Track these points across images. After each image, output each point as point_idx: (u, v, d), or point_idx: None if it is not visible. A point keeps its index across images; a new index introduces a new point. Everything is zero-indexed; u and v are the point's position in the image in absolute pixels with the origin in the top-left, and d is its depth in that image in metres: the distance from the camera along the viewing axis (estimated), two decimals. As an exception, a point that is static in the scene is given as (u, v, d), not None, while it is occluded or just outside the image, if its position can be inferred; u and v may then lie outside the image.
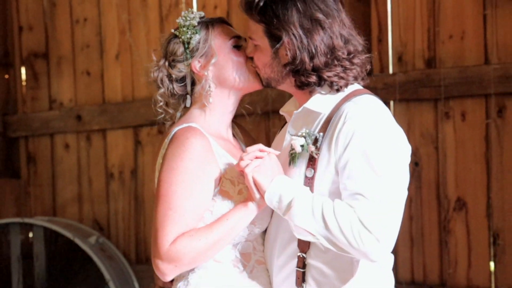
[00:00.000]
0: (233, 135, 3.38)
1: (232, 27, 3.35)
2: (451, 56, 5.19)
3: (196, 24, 3.27)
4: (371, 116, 2.93)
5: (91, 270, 6.33)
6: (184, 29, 3.27)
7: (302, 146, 3.00)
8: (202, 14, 3.34)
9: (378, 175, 2.86)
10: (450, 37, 5.21)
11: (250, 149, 3.01)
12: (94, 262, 6.27)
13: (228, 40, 3.26)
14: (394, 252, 5.17)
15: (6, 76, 7.16)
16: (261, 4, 2.97)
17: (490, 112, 5.05)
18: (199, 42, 3.26)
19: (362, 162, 2.88)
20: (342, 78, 3.00)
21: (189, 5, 6.20)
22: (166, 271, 3.11)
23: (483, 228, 5.11)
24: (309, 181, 2.97)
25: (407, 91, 5.27)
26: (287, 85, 3.06)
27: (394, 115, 5.17)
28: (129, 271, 6.48)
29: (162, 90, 3.32)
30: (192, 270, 3.18)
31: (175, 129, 3.22)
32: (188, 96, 3.29)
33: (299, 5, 2.93)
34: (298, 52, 2.94)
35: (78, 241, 6.30)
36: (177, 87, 3.32)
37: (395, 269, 5.22)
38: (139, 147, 6.56)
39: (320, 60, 2.95)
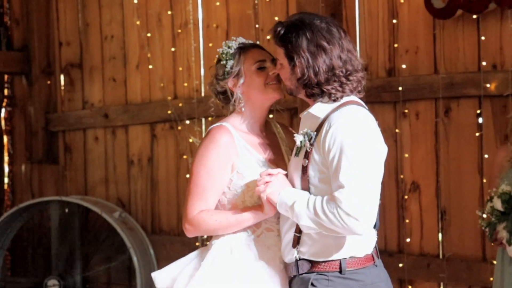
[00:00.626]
0: (274, 132, 3.47)
1: (263, 49, 3.41)
2: (407, 67, 5.17)
3: (232, 51, 3.36)
4: (349, 123, 2.99)
5: (115, 239, 6.31)
6: (223, 55, 3.37)
7: (301, 141, 3.11)
8: (241, 40, 3.41)
9: (355, 168, 2.92)
10: (406, 52, 5.17)
11: (262, 174, 3.15)
12: (117, 233, 6.25)
13: (253, 64, 3.33)
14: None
15: (49, 82, 7.12)
16: (282, 32, 3.11)
17: (439, 112, 5.02)
18: (232, 67, 3.34)
19: (342, 159, 2.94)
20: (338, 91, 3.07)
21: (196, 25, 6.14)
22: (188, 232, 3.29)
23: (432, 206, 5.09)
24: (304, 169, 3.07)
25: (371, 95, 5.21)
26: (302, 95, 3.16)
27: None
28: (146, 240, 6.43)
29: (212, 99, 3.47)
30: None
31: (211, 127, 3.34)
32: (230, 104, 3.37)
33: (307, 34, 3.06)
34: (305, 70, 3.06)
35: (104, 215, 6.28)
36: (222, 97, 3.41)
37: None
38: (154, 140, 6.50)
39: (321, 76, 3.05)
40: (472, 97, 4.86)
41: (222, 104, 3.43)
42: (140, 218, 6.55)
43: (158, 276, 3.41)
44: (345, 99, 3.08)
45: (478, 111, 4.84)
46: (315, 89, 3.07)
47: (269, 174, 3.13)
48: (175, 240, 6.33)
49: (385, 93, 5.20)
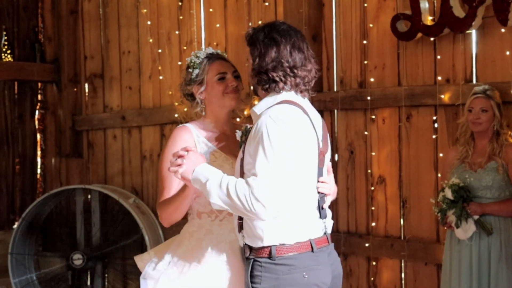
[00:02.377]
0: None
1: (227, 61, 3.26)
2: (376, 80, 5.15)
3: (199, 61, 3.20)
4: (271, 119, 2.78)
5: (130, 221, 6.30)
6: (191, 63, 3.22)
7: (240, 137, 2.99)
8: (210, 50, 3.26)
9: (268, 160, 2.73)
10: (375, 67, 5.17)
11: (173, 155, 2.89)
12: (132, 216, 6.24)
13: (215, 75, 3.19)
14: (335, 211, 5.21)
15: (75, 89, 7.11)
16: (250, 36, 2.95)
17: (401, 118, 5.01)
18: (197, 75, 3.19)
19: (259, 150, 2.76)
20: (281, 80, 2.89)
21: (199, 43, 6.15)
22: (162, 221, 3.11)
23: (396, 196, 5.08)
24: (241, 161, 2.89)
25: (346, 103, 5.24)
26: (260, 92, 2.97)
27: (337, 120, 5.33)
28: (156, 222, 6.41)
29: (176, 104, 3.29)
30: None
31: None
32: (198, 106, 3.21)
33: (265, 30, 2.91)
34: (257, 58, 2.89)
35: (121, 201, 6.27)
36: (189, 99, 3.25)
37: (336, 223, 5.20)
38: (163, 138, 6.48)
39: (269, 64, 2.87)
40: (429, 106, 4.86)
41: (191, 104, 3.25)
42: (151, 203, 6.54)
43: (139, 259, 3.23)
44: (283, 96, 2.89)
45: (434, 118, 4.86)
46: (263, 75, 2.88)
47: (180, 156, 2.86)
48: (180, 222, 6.27)
49: (357, 101, 5.19)
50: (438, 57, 4.82)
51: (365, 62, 5.19)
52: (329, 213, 3.00)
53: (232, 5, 5.94)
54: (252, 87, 3.07)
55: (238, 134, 3.00)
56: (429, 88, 4.84)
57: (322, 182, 2.93)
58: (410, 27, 4.82)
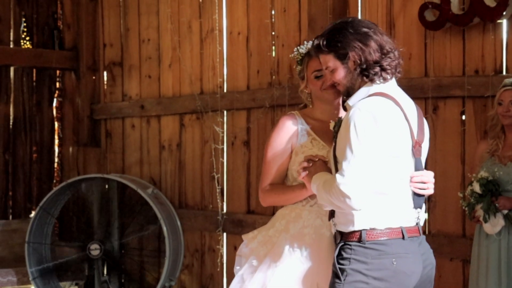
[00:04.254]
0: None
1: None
2: (402, 70, 4.99)
3: (301, 57, 3.35)
4: (359, 113, 2.86)
5: (148, 211, 6.27)
6: (297, 59, 3.38)
7: (333, 128, 3.07)
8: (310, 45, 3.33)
9: (353, 152, 2.82)
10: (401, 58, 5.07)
11: (304, 158, 3.13)
12: (150, 206, 6.20)
13: (312, 73, 3.31)
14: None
15: (94, 78, 7.09)
16: (325, 41, 3.01)
17: (428, 110, 4.94)
18: (300, 72, 3.37)
19: (347, 143, 2.86)
20: (391, 66, 2.98)
21: (220, 32, 6.10)
22: (261, 202, 3.36)
23: (421, 189, 5.00)
24: (333, 150, 2.99)
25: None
26: (358, 87, 3.01)
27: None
28: (174, 213, 6.40)
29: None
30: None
31: None
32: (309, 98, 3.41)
33: (349, 29, 2.96)
34: (361, 56, 2.94)
35: (139, 191, 6.23)
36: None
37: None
38: (183, 128, 6.45)
39: (376, 55, 2.94)
40: (457, 97, 4.80)
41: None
42: (169, 194, 6.52)
43: (245, 237, 3.43)
44: (376, 88, 2.96)
45: (462, 110, 4.79)
46: (376, 68, 2.94)
47: (310, 159, 3.10)
48: (198, 213, 6.30)
49: (382, 92, 5.14)
50: (467, 47, 4.74)
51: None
52: (423, 205, 3.06)
53: (255, -7, 5.89)
54: (345, 93, 3.08)
55: (332, 124, 3.09)
56: (457, 79, 4.77)
57: (416, 176, 2.98)
58: (438, 16, 4.74)
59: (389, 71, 2.97)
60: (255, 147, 5.90)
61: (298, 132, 3.26)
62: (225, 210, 6.11)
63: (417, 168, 2.99)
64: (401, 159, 2.93)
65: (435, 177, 4.84)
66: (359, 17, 5.28)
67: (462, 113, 4.80)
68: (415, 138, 2.97)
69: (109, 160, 7.00)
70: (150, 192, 6.28)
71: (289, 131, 3.26)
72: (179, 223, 6.36)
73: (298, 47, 3.36)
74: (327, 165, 3.09)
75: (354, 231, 2.93)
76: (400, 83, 4.92)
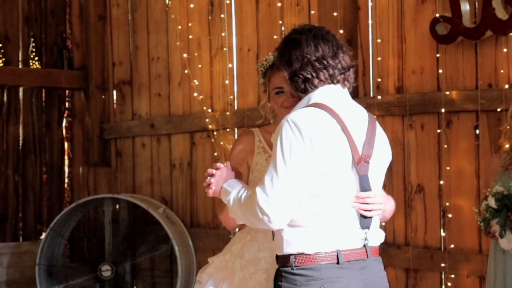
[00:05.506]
0: None
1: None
2: (414, 85, 5.11)
3: (264, 70, 3.24)
4: (285, 125, 2.69)
5: (160, 231, 6.29)
6: (261, 71, 3.28)
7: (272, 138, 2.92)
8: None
9: (275, 166, 2.66)
10: (413, 72, 5.12)
11: (207, 172, 2.94)
12: (161, 226, 6.22)
13: (273, 89, 3.18)
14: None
15: (103, 97, 7.14)
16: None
17: (441, 124, 4.95)
18: (263, 83, 3.26)
19: (272, 155, 2.71)
20: (313, 76, 2.78)
21: (230, 49, 6.14)
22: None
23: (435, 205, 5.02)
24: None
25: (383, 109, 5.20)
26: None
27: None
28: (185, 232, 6.42)
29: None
30: None
31: None
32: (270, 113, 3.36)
33: (284, 38, 2.90)
34: (286, 65, 2.83)
35: (151, 211, 6.26)
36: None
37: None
38: (193, 146, 6.48)
39: (296, 65, 2.79)
40: (470, 111, 4.81)
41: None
42: (181, 213, 6.54)
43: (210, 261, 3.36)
44: (315, 98, 2.77)
45: (476, 124, 4.80)
46: (296, 78, 2.78)
47: (215, 168, 2.92)
48: (210, 232, 6.32)
49: (395, 107, 5.15)
50: (480, 61, 4.76)
51: (403, 66, 5.14)
52: (374, 223, 2.83)
53: (264, 9, 5.93)
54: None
55: (273, 136, 2.94)
56: (470, 93, 4.78)
57: (359, 196, 2.76)
58: (450, 30, 4.76)
59: (315, 80, 2.77)
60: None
61: (254, 150, 3.19)
62: (237, 229, 6.12)
63: (363, 186, 2.75)
64: (334, 177, 2.71)
65: (449, 192, 4.92)
66: (370, 32, 5.32)
67: (476, 127, 4.80)
68: (360, 153, 2.75)
69: (120, 180, 7.02)
70: (161, 212, 6.31)
71: (244, 149, 3.20)
72: (191, 242, 6.38)
73: (265, 58, 3.26)
74: (231, 171, 2.93)
75: (284, 255, 2.75)
76: (413, 98, 5.01)
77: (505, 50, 4.62)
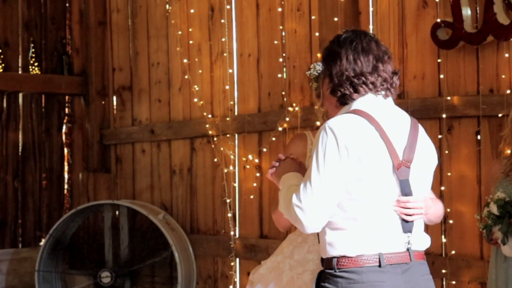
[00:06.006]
0: None
1: None
2: (415, 90, 5.11)
3: (316, 74, 3.31)
4: (322, 130, 2.76)
5: (159, 237, 6.30)
6: (312, 76, 3.36)
7: None
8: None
9: (313, 169, 2.72)
10: (414, 77, 5.11)
11: (277, 158, 3.03)
12: (161, 232, 6.24)
13: (327, 89, 3.14)
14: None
15: (103, 102, 7.16)
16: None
17: (442, 130, 4.94)
18: (316, 88, 3.31)
19: (309, 165, 2.78)
20: (351, 92, 2.85)
21: (231, 54, 6.15)
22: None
23: (436, 211, 4.99)
24: None
25: (383, 115, 5.17)
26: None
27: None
28: (185, 239, 6.42)
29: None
30: None
31: None
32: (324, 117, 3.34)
33: (328, 47, 2.96)
34: (328, 79, 2.94)
35: (150, 217, 6.28)
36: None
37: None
38: (194, 152, 6.49)
39: (335, 81, 2.88)
40: (472, 117, 4.80)
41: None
42: (181, 219, 6.54)
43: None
44: (355, 105, 2.84)
45: (477, 129, 4.80)
46: (336, 93, 2.87)
47: (278, 159, 3.01)
48: (210, 239, 6.32)
49: (395, 113, 5.15)
50: (481, 66, 4.76)
51: (404, 71, 5.13)
52: (417, 227, 2.89)
53: (265, 14, 5.94)
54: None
55: (314, 142, 3.10)
56: (472, 98, 4.78)
57: (400, 201, 2.80)
58: (451, 35, 4.77)
59: (354, 95, 2.84)
60: (267, 171, 5.90)
61: (306, 153, 3.24)
62: (237, 235, 6.13)
63: (403, 191, 2.80)
64: (372, 182, 2.75)
65: (451, 198, 4.90)
66: (371, 37, 5.31)
67: (477, 133, 4.80)
68: (400, 158, 2.79)
69: (120, 186, 7.03)
70: (161, 218, 6.31)
71: (296, 153, 3.20)
72: (191, 249, 6.38)
73: (315, 64, 3.32)
74: (296, 163, 2.97)
75: (328, 258, 2.80)
76: (414, 104, 5.00)
77: (506, 55, 4.62)
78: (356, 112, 2.80)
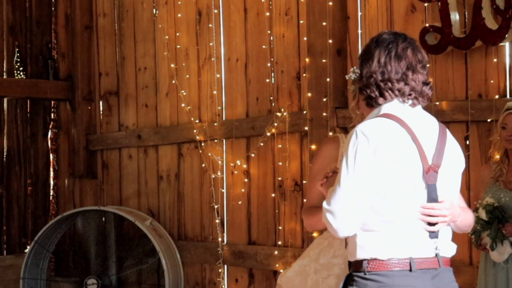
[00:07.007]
0: None
1: None
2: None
3: (354, 77, 3.17)
4: (353, 134, 2.77)
5: (147, 244, 6.30)
6: (351, 79, 3.26)
7: None
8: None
9: (344, 173, 2.74)
10: (403, 82, 5.11)
11: (331, 168, 3.03)
12: (148, 238, 6.23)
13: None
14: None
15: (89, 108, 7.15)
16: None
17: (431, 135, 4.95)
18: (353, 90, 3.18)
19: (342, 163, 2.79)
20: (377, 95, 2.85)
21: (218, 59, 6.16)
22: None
23: (425, 217, 5.01)
24: None
25: (372, 120, 5.19)
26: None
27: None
28: (173, 245, 6.42)
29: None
30: None
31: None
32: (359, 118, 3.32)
33: (367, 44, 2.95)
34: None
35: (137, 223, 6.28)
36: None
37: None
38: (181, 158, 6.49)
39: (363, 80, 2.88)
40: (460, 122, 4.82)
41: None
42: (168, 226, 6.54)
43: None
44: (384, 109, 2.84)
45: (466, 134, 4.82)
46: (363, 92, 2.88)
47: (326, 176, 3.00)
48: (198, 245, 6.32)
49: (384, 118, 5.16)
50: (470, 71, 4.78)
51: (392, 76, 5.17)
52: (444, 234, 2.87)
53: (253, 19, 5.95)
54: None
55: (344, 145, 3.07)
56: (460, 103, 4.80)
57: (425, 207, 2.79)
58: (440, 40, 4.79)
59: (379, 99, 2.84)
60: (255, 176, 5.94)
61: (337, 156, 3.20)
62: (225, 242, 6.13)
63: (430, 196, 2.79)
64: (404, 186, 2.76)
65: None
66: (359, 42, 5.34)
67: (466, 138, 4.83)
68: (429, 162, 2.79)
69: (106, 192, 7.03)
70: (148, 224, 6.31)
71: (329, 156, 3.22)
72: (178, 255, 6.38)
73: (354, 67, 3.32)
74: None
75: (358, 261, 2.79)
76: (402, 109, 5.02)
77: (495, 60, 4.65)
78: (386, 116, 2.81)
